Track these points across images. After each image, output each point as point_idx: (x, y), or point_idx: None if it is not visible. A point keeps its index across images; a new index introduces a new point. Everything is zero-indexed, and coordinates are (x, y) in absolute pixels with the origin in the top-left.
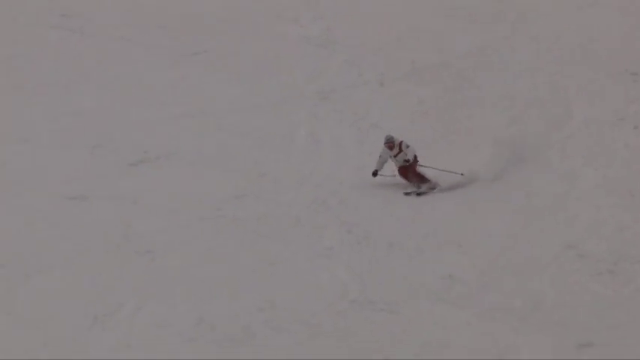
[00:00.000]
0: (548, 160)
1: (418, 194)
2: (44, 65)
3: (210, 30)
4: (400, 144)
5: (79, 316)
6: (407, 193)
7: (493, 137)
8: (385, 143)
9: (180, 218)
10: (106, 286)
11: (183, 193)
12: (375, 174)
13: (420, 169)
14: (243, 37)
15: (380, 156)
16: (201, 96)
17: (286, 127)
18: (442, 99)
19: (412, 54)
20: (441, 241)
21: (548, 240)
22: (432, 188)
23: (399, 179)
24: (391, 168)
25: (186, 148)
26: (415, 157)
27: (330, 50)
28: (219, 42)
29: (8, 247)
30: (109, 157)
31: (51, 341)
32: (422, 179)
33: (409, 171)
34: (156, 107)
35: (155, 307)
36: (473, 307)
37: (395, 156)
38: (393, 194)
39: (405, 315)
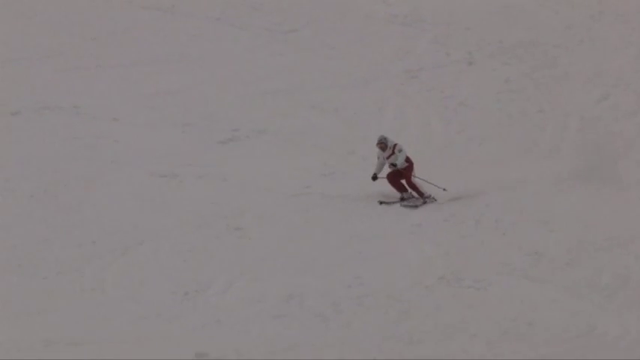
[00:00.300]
0: (635, 137)
1: (403, 205)
2: (135, 45)
3: (300, 10)
4: (394, 147)
5: (170, 292)
6: (381, 202)
7: (580, 115)
8: (377, 144)
9: (270, 195)
10: (197, 262)
11: (272, 171)
12: (374, 178)
13: (415, 180)
14: (331, 16)
15: (378, 158)
16: (291, 74)
17: (374, 105)
18: (530, 77)
19: (500, 32)
20: (526, 218)
21: (634, 217)
22: (424, 202)
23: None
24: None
25: (276, 126)
26: (410, 165)
27: (417, 29)
28: (308, 22)
29: (100, 225)
30: (199, 135)
31: (142, 317)
32: (403, 189)
33: (397, 177)
34: (246, 86)
35: (245, 283)
36: (559, 283)
37: (387, 158)
38: None
39: (492, 292)
